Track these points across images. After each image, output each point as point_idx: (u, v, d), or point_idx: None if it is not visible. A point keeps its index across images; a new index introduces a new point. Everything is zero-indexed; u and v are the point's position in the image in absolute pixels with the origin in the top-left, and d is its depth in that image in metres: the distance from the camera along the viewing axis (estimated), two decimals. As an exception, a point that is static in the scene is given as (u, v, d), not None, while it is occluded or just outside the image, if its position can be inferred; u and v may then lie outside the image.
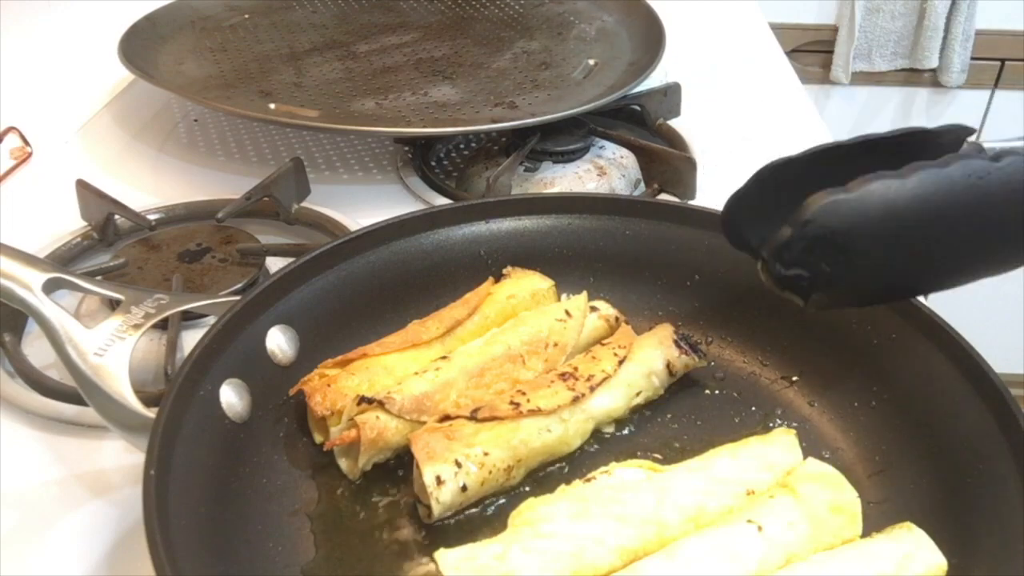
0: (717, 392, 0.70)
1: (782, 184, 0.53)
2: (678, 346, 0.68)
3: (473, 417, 0.61)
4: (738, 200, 0.55)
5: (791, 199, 0.48)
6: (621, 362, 0.66)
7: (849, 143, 0.51)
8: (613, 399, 0.66)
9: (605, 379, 0.65)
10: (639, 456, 0.64)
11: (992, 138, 0.50)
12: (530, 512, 0.56)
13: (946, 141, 0.51)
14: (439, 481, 0.57)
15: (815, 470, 0.59)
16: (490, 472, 0.59)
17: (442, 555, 0.53)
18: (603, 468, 0.59)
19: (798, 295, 0.51)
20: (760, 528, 0.54)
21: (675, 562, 0.53)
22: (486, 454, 0.59)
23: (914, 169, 0.45)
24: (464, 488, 0.58)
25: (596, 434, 0.66)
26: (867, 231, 0.47)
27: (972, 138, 0.54)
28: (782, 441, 0.62)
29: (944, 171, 0.45)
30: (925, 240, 0.48)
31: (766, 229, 0.50)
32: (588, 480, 0.58)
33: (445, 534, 0.59)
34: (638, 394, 0.67)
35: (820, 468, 0.59)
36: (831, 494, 0.57)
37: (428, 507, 0.58)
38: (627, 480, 0.58)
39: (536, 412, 0.62)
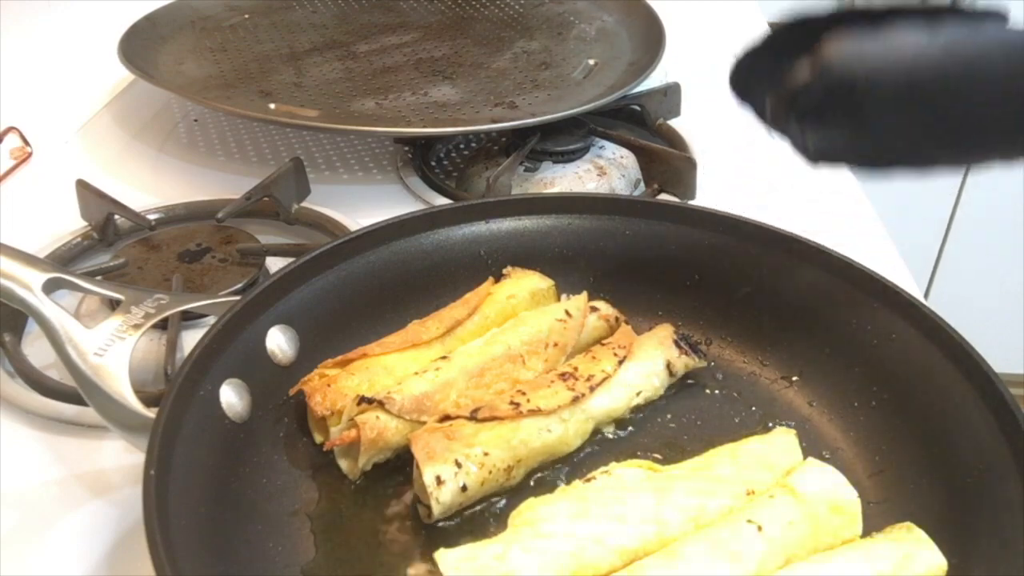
0: (717, 392, 0.70)
1: (802, 35, 0.49)
2: (678, 346, 0.68)
3: (473, 417, 0.61)
4: (750, 54, 0.52)
5: (815, 42, 0.46)
6: (621, 362, 0.66)
7: (876, 5, 0.46)
8: (613, 399, 0.66)
9: (605, 379, 0.65)
10: (639, 456, 0.64)
11: None
12: (530, 512, 0.56)
13: (983, 13, 0.46)
14: (439, 481, 0.57)
15: (815, 470, 0.59)
16: (490, 472, 0.59)
17: (442, 555, 0.53)
18: (603, 468, 0.59)
19: (803, 144, 0.48)
20: (760, 528, 0.54)
21: (675, 562, 0.53)
22: (486, 454, 0.59)
23: (946, 23, 0.43)
24: (464, 488, 0.58)
25: (596, 434, 0.66)
26: (891, 82, 0.45)
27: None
28: (782, 441, 0.62)
29: (978, 30, 0.43)
30: (948, 102, 0.45)
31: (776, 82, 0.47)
32: (588, 480, 0.58)
33: (445, 534, 0.59)
34: (638, 394, 0.67)
35: (820, 468, 0.59)
36: (831, 494, 0.57)
37: (428, 507, 0.58)
38: (627, 480, 0.58)
39: (536, 412, 0.62)
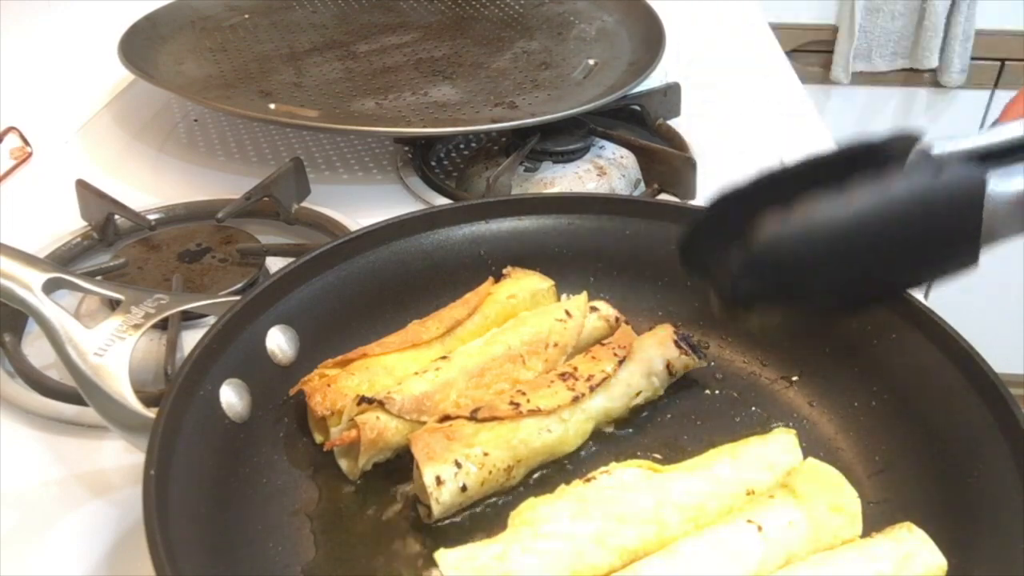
0: (717, 392, 0.70)
1: (734, 211, 0.53)
2: (678, 346, 0.68)
3: (473, 417, 0.61)
4: (692, 232, 0.56)
5: (743, 224, 0.49)
6: (621, 362, 0.66)
7: (797, 164, 0.52)
8: (613, 399, 0.66)
9: (605, 379, 0.65)
10: (639, 456, 0.64)
11: (949, 134, 0.50)
12: (530, 512, 0.56)
13: (895, 149, 0.51)
14: (439, 481, 0.57)
15: (815, 470, 0.59)
16: (490, 472, 0.59)
17: (442, 555, 0.53)
18: (603, 468, 0.59)
19: (749, 315, 0.52)
20: (760, 528, 0.54)
21: (675, 562, 0.53)
22: (486, 454, 0.59)
23: (857, 188, 0.46)
24: (464, 488, 0.58)
25: (596, 434, 0.66)
26: (814, 252, 0.48)
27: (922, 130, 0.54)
28: (782, 441, 0.62)
29: (886, 189, 0.46)
30: (872, 255, 0.48)
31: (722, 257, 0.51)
32: (588, 480, 0.58)
33: (445, 534, 0.59)
34: (638, 394, 0.67)
35: (820, 468, 0.59)
36: (831, 494, 0.57)
37: (428, 507, 0.58)
38: (627, 480, 0.58)
39: (536, 412, 0.62)
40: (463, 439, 0.59)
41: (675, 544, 0.54)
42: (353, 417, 0.61)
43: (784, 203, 0.47)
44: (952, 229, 0.48)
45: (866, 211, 0.46)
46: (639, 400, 0.67)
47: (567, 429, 0.63)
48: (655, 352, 0.68)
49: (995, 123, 0.51)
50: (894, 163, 0.49)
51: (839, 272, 0.49)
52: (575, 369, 0.66)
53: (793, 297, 0.50)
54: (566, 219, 0.77)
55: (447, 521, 0.59)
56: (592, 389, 0.64)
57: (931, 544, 0.54)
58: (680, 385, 0.70)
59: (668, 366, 0.68)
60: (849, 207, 0.46)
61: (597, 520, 0.55)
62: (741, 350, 0.72)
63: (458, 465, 0.58)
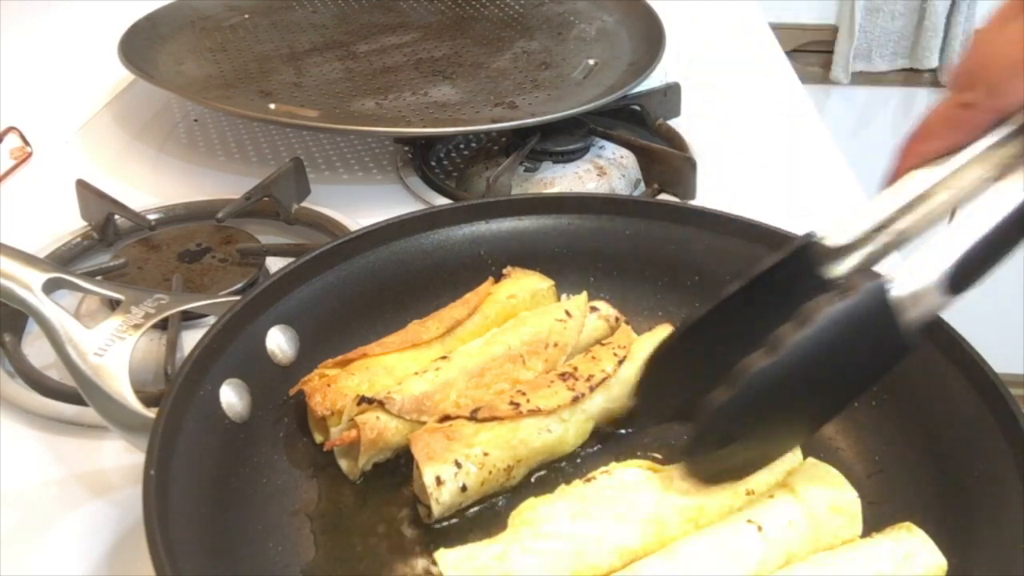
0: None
1: (694, 352, 0.59)
2: (678, 346, 0.68)
3: (473, 417, 0.61)
4: (652, 377, 0.61)
5: (697, 366, 0.57)
6: (621, 362, 0.66)
7: (734, 291, 0.56)
8: (613, 399, 0.65)
9: (605, 379, 0.65)
10: (639, 456, 0.64)
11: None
12: (530, 512, 0.56)
13: (809, 255, 0.56)
14: (439, 481, 0.57)
15: (815, 470, 0.59)
16: (490, 472, 0.59)
17: (442, 555, 0.53)
18: (603, 468, 0.59)
19: (720, 453, 0.56)
20: (760, 528, 0.54)
21: (675, 562, 0.53)
22: (486, 454, 0.59)
23: (782, 340, 0.50)
24: (464, 488, 0.58)
25: (596, 434, 0.66)
26: (759, 412, 0.53)
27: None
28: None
29: (808, 333, 0.50)
30: (812, 390, 0.54)
31: (688, 389, 0.56)
32: (588, 480, 0.58)
33: (445, 534, 0.59)
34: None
35: (820, 468, 0.59)
36: (831, 494, 0.57)
37: (428, 507, 0.58)
38: (627, 480, 0.58)
39: (536, 412, 0.62)
40: (463, 439, 0.59)
41: (675, 544, 0.54)
42: (353, 417, 0.61)
43: (743, 340, 0.52)
44: (866, 349, 0.53)
45: (795, 360, 0.50)
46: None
47: (567, 429, 0.63)
48: (655, 352, 0.68)
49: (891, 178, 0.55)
50: (819, 263, 0.55)
51: (787, 414, 0.55)
52: (575, 369, 0.66)
53: (769, 430, 0.56)
54: (566, 219, 0.77)
55: (447, 521, 0.59)
56: (592, 389, 0.64)
57: (931, 544, 0.54)
58: (680, 385, 0.70)
59: (668, 366, 0.68)
60: (779, 364, 0.50)
61: (597, 520, 0.55)
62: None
63: (458, 465, 0.58)
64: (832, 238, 0.54)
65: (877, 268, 0.54)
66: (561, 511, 0.55)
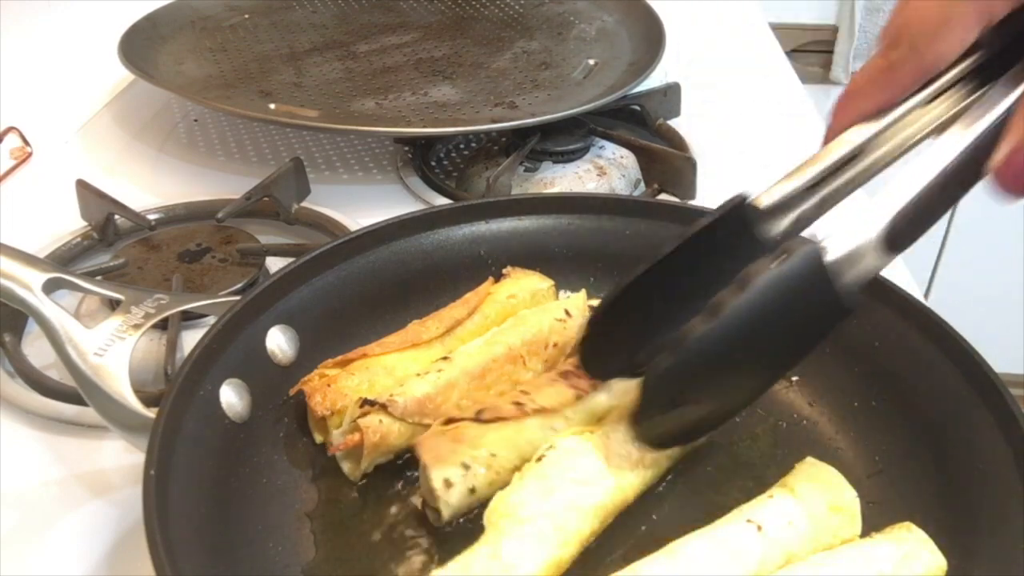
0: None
1: (627, 311, 0.59)
2: (678, 346, 0.68)
3: (478, 419, 0.61)
4: (593, 336, 0.62)
5: (639, 325, 0.58)
6: (621, 361, 0.66)
7: (670, 251, 0.56)
8: (614, 396, 0.65)
9: (605, 377, 0.65)
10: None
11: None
12: (502, 506, 0.56)
13: (744, 216, 0.56)
14: (447, 484, 0.57)
15: (814, 470, 0.59)
16: (498, 473, 0.59)
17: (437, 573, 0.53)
18: (547, 445, 0.60)
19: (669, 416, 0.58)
20: (760, 528, 0.54)
21: (675, 562, 0.53)
22: (493, 455, 0.59)
23: (720, 306, 0.51)
24: (473, 490, 0.58)
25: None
26: (702, 375, 0.54)
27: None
28: None
29: (745, 298, 0.51)
30: (754, 353, 0.55)
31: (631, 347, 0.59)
32: (539, 459, 0.59)
33: (445, 534, 0.59)
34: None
35: (819, 468, 0.59)
36: (830, 493, 0.57)
37: (436, 511, 0.58)
38: (571, 448, 0.59)
39: (540, 411, 0.62)
40: (469, 441, 0.59)
41: (675, 544, 0.54)
42: (355, 420, 0.61)
43: (685, 301, 0.54)
44: (819, 305, 0.53)
45: (733, 322, 0.52)
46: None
47: (572, 428, 0.63)
48: (655, 352, 0.68)
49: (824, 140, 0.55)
50: (750, 222, 0.55)
51: (729, 375, 0.56)
52: (576, 367, 0.66)
53: (716, 392, 0.57)
54: (566, 219, 0.77)
55: (453, 524, 0.59)
56: (594, 386, 0.64)
57: (931, 544, 0.54)
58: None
59: (667, 365, 0.68)
60: (719, 326, 0.51)
61: (563, 490, 0.56)
62: (741, 350, 0.72)
63: (465, 467, 0.58)
64: (764, 199, 0.54)
65: (814, 228, 0.55)
66: (529, 494, 0.56)
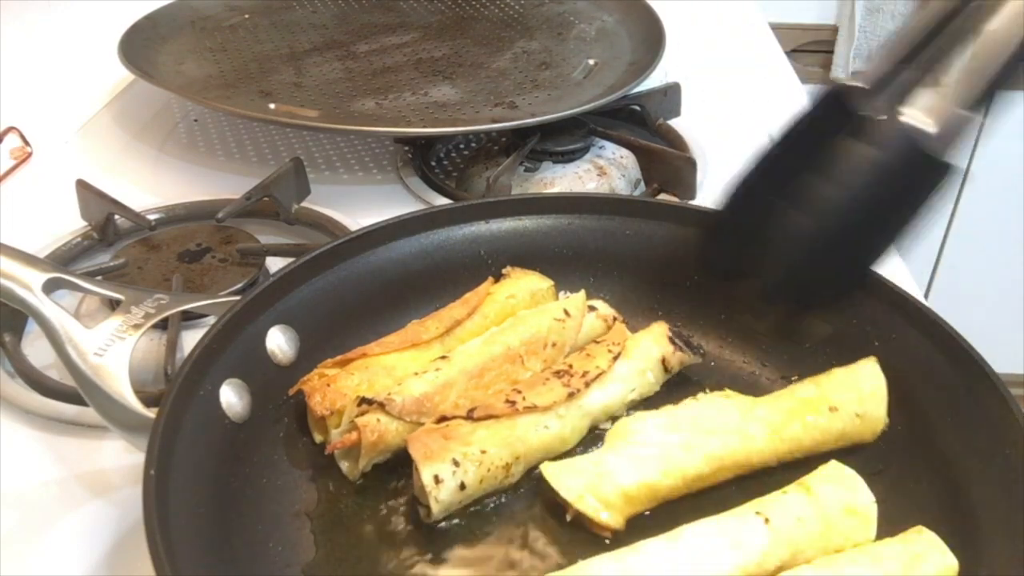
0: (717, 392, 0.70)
1: (747, 210, 0.62)
2: (672, 342, 0.69)
3: (470, 417, 0.61)
4: (711, 238, 0.65)
5: (750, 226, 0.60)
6: (615, 358, 0.66)
7: (771, 150, 0.59)
8: (608, 395, 0.66)
9: (600, 375, 0.65)
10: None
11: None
12: (623, 428, 0.62)
13: (841, 99, 0.57)
14: (437, 480, 0.57)
15: (835, 471, 0.59)
16: (488, 470, 0.59)
17: (546, 465, 0.60)
18: (692, 396, 0.63)
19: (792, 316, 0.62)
20: (767, 520, 0.54)
21: (676, 544, 0.53)
22: (484, 452, 0.59)
23: (817, 202, 0.54)
24: (463, 486, 0.58)
25: (593, 431, 0.66)
26: (814, 271, 0.58)
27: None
28: (867, 369, 0.64)
29: (841, 194, 0.54)
30: (860, 234, 0.57)
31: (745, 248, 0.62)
32: (677, 403, 0.63)
33: (446, 534, 0.59)
34: (633, 390, 0.67)
35: (841, 470, 0.59)
36: (847, 495, 0.57)
37: (427, 507, 0.58)
38: (712, 403, 0.63)
39: (532, 409, 0.62)
40: (460, 438, 0.59)
41: (679, 528, 0.55)
42: (353, 419, 0.61)
43: (790, 197, 0.55)
44: (917, 177, 0.55)
45: (837, 210, 0.54)
46: (635, 396, 0.67)
47: (564, 426, 0.63)
48: (650, 348, 0.68)
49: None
50: (853, 133, 0.56)
51: (857, 241, 0.57)
52: (570, 366, 0.66)
53: (828, 276, 0.58)
54: (566, 219, 0.77)
55: (448, 521, 0.59)
56: (587, 385, 0.64)
57: (941, 545, 0.54)
58: (681, 385, 0.69)
59: (663, 362, 0.68)
60: (844, 195, 0.54)
61: (685, 431, 0.61)
62: (741, 350, 0.72)
63: (456, 464, 0.58)
64: (862, 81, 0.55)
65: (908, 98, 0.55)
66: (651, 426, 0.61)
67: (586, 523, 0.58)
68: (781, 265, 0.56)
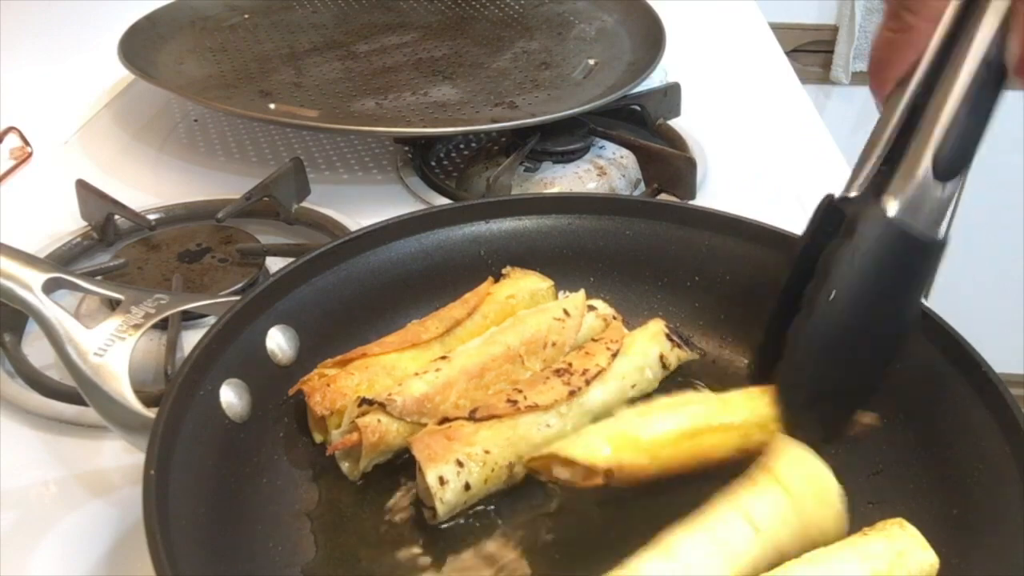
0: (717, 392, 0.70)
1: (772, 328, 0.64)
2: (670, 339, 0.69)
3: (471, 417, 0.61)
4: (759, 351, 0.67)
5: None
6: (614, 356, 0.66)
7: (788, 280, 0.62)
8: (608, 392, 0.66)
9: (599, 372, 0.65)
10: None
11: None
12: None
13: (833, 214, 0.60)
14: (442, 481, 0.57)
15: (796, 457, 0.58)
16: (492, 470, 0.59)
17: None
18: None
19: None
20: (755, 527, 0.54)
21: (671, 564, 0.53)
22: (487, 452, 0.59)
23: (811, 301, 0.56)
24: (467, 487, 0.58)
25: (596, 433, 0.66)
26: (823, 364, 0.59)
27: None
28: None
29: (829, 287, 0.55)
30: (866, 325, 0.59)
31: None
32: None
33: (446, 533, 0.59)
34: (633, 387, 0.67)
35: (802, 456, 0.58)
36: (815, 484, 0.57)
37: (432, 509, 0.58)
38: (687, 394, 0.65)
39: (533, 408, 0.62)
40: (463, 438, 0.59)
41: (669, 540, 0.54)
42: (354, 420, 0.61)
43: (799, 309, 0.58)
44: (906, 258, 0.57)
45: (833, 319, 0.56)
46: (634, 393, 0.67)
47: (566, 424, 0.63)
48: (647, 346, 0.68)
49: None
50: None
51: (858, 337, 0.59)
52: (569, 365, 0.66)
53: (846, 371, 0.60)
54: (566, 219, 0.77)
55: (450, 522, 0.59)
56: (588, 382, 0.64)
57: (922, 540, 0.54)
58: (680, 385, 0.70)
59: (661, 359, 0.68)
60: (838, 292, 0.55)
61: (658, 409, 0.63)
62: (741, 350, 0.72)
63: (460, 464, 0.58)
64: (852, 190, 0.57)
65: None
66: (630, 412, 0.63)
67: (576, 480, 0.59)
68: (797, 373, 0.58)
